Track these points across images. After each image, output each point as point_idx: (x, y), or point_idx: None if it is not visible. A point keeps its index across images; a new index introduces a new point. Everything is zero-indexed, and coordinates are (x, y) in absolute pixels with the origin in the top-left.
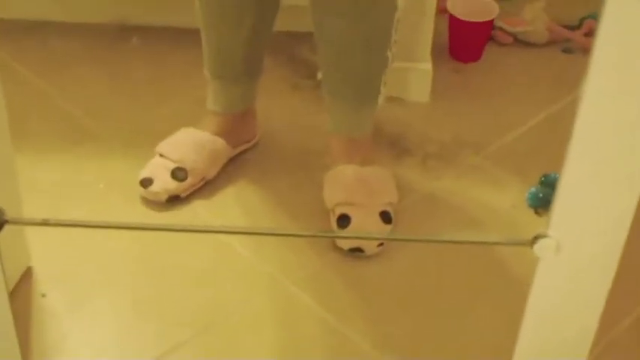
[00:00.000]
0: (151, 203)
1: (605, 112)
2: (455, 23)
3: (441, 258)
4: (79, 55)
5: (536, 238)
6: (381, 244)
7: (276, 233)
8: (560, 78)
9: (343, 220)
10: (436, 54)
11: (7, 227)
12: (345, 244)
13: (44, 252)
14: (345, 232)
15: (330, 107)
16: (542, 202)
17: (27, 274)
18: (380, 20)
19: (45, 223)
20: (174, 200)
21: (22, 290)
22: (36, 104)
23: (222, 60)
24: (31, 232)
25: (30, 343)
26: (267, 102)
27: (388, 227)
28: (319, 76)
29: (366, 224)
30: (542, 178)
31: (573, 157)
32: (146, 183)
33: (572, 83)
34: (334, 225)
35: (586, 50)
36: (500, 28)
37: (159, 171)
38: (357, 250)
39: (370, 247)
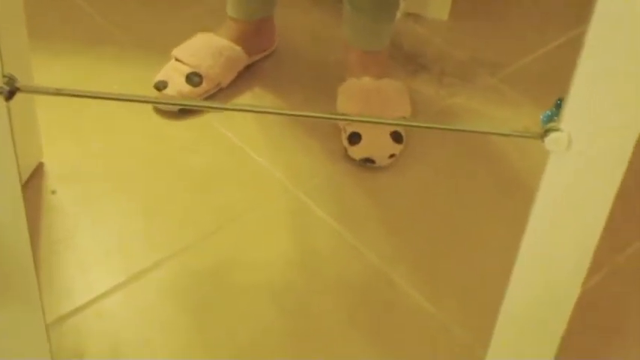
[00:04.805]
0: (164, 105)
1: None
2: None
3: (453, 171)
4: None
5: (547, 132)
6: (393, 156)
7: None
8: (581, 4)
9: (354, 136)
10: None
11: (20, 116)
12: (357, 154)
13: (56, 149)
14: (356, 148)
15: (349, 19)
16: None
17: (38, 170)
18: None
19: (58, 92)
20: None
21: (32, 185)
22: (54, 4)
23: None
24: (44, 128)
25: (39, 238)
26: (287, 13)
27: (400, 144)
28: None
29: (377, 139)
30: (558, 102)
31: (589, 50)
32: (160, 86)
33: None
34: (345, 141)
35: None
36: None
37: (174, 75)
38: (368, 161)
39: (382, 158)
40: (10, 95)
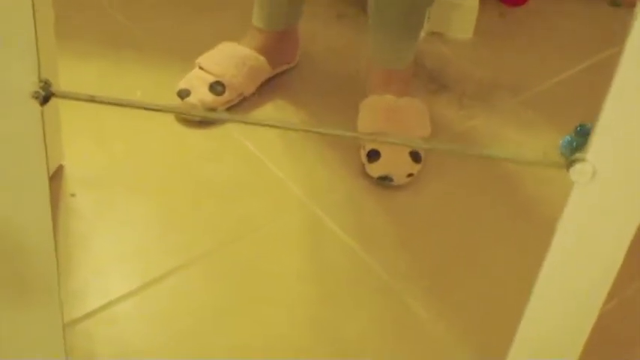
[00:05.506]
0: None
1: None
2: None
3: (469, 192)
4: None
5: (573, 162)
6: (411, 175)
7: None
8: (605, 31)
9: (373, 154)
10: None
11: (45, 117)
12: (375, 172)
13: (76, 152)
14: (375, 165)
15: (373, 37)
16: (575, 151)
17: (58, 172)
18: None
19: (92, 99)
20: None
21: (52, 188)
22: (79, 6)
23: None
24: (65, 130)
25: (56, 240)
26: (311, 27)
27: (418, 164)
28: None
29: (396, 157)
30: (578, 128)
31: (619, 83)
32: (183, 94)
33: (615, 37)
34: (364, 158)
35: (633, 4)
36: None
37: (197, 83)
38: (386, 179)
39: (400, 176)
40: (45, 100)
